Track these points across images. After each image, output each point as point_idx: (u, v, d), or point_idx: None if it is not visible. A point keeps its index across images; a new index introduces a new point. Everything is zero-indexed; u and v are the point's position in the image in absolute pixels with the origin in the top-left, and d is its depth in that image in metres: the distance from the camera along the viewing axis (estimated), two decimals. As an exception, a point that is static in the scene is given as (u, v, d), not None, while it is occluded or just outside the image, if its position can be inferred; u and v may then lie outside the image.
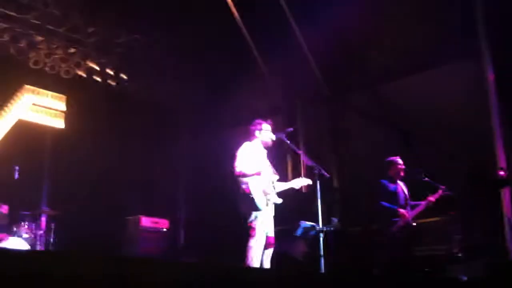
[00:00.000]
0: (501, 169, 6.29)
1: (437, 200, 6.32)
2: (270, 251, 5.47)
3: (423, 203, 6.36)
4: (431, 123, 7.23)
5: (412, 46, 7.42)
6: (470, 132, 6.81)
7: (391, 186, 6.52)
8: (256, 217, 5.38)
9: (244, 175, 5.45)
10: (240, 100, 8.67)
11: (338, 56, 8.04)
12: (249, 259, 5.27)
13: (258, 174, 5.49)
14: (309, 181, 5.81)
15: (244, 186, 5.41)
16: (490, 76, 6.77)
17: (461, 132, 6.91)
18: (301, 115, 8.46)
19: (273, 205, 5.59)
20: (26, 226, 6.53)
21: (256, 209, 5.36)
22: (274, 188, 5.64)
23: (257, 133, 5.78)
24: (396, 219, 6.30)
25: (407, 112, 7.55)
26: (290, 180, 5.93)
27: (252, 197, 5.35)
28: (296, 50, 8.13)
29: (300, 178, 5.91)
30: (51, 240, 6.81)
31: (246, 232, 5.43)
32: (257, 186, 5.43)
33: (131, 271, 2.04)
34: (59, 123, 8.22)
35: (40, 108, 8.05)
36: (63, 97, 8.32)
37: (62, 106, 8.28)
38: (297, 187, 5.83)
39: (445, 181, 6.37)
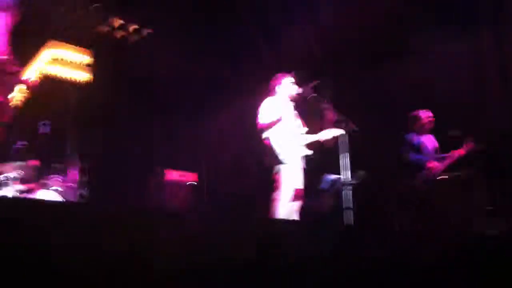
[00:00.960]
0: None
1: (466, 153, 6.27)
2: (298, 204, 5.48)
3: (451, 156, 6.31)
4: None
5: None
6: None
7: (417, 139, 6.47)
8: (279, 170, 5.39)
9: (266, 127, 5.44)
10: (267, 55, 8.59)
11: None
12: (274, 211, 5.31)
13: (278, 121, 5.45)
14: (339, 131, 5.64)
15: (266, 140, 5.41)
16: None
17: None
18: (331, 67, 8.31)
19: (304, 157, 5.58)
20: (57, 179, 6.66)
21: (279, 162, 5.36)
22: (303, 140, 5.61)
23: (277, 87, 5.74)
24: (424, 172, 6.27)
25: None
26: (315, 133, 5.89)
27: (274, 150, 5.36)
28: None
29: (329, 129, 5.73)
30: (83, 192, 6.95)
31: (271, 185, 5.46)
32: (280, 139, 5.42)
33: (156, 224, 2.06)
34: (84, 76, 8.27)
35: (65, 61, 8.08)
36: (87, 50, 8.33)
37: (87, 59, 8.31)
38: (324, 139, 5.75)
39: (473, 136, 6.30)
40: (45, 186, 6.49)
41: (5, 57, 4.02)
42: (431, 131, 6.60)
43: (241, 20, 8.50)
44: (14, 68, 4.17)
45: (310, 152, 5.56)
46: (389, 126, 7.11)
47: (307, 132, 5.72)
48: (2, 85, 4.10)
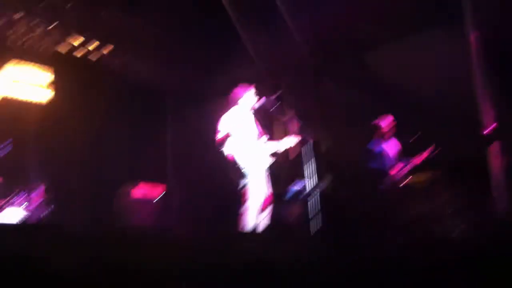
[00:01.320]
0: (487, 127, 6.36)
1: (424, 159, 6.42)
2: (268, 211, 5.54)
3: (411, 162, 6.46)
4: (417, 88, 7.23)
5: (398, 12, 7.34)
6: (457, 94, 6.83)
7: (378, 148, 6.61)
8: (245, 183, 5.44)
9: (223, 142, 5.48)
10: (227, 72, 8.62)
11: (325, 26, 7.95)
12: (244, 223, 5.35)
13: (227, 136, 5.53)
14: (297, 139, 5.81)
15: (229, 155, 5.45)
16: (473, 39, 6.76)
17: (447, 95, 6.93)
18: (287, 83, 8.42)
19: (266, 166, 5.65)
20: (20, 199, 6.58)
21: (243, 175, 5.42)
22: (264, 150, 5.68)
23: (239, 100, 5.81)
24: (385, 179, 6.40)
25: (393, 78, 7.54)
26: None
27: (238, 165, 5.41)
28: (281, 23, 8.03)
29: (288, 137, 5.89)
30: (43, 214, 6.86)
31: (238, 198, 5.51)
32: (242, 152, 5.48)
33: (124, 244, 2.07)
34: (45, 95, 8.17)
35: (24, 82, 7.98)
36: (47, 69, 8.24)
37: (47, 79, 8.22)
38: (283, 148, 5.87)
39: (432, 142, 6.46)
40: (11, 205, 6.43)
41: None
42: (393, 135, 6.74)
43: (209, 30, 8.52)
44: None
45: (272, 160, 5.64)
46: (354, 133, 7.22)
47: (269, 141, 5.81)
48: None
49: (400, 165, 6.57)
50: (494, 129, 6.29)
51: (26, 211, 6.55)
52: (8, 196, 6.53)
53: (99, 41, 8.35)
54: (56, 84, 8.28)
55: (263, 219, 5.54)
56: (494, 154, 6.49)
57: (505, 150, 6.39)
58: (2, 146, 4.72)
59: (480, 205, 6.16)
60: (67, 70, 8.32)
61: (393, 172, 6.41)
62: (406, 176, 6.47)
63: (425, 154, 6.41)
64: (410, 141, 6.41)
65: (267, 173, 5.64)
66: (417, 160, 6.43)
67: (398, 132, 6.73)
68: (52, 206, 6.87)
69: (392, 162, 6.56)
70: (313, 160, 5.62)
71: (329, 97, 8.08)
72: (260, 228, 5.48)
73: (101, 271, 1.90)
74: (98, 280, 1.87)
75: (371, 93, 7.57)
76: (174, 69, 9.24)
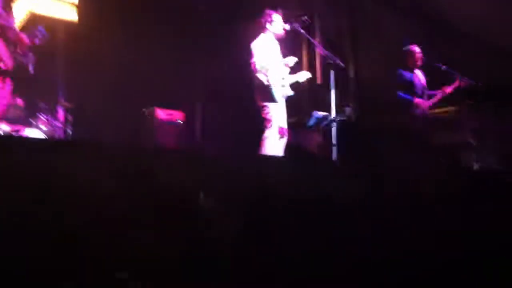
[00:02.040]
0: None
1: (455, 89, 6.30)
2: (284, 141, 5.58)
3: (440, 92, 6.35)
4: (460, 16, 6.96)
5: None
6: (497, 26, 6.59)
7: (408, 76, 6.47)
8: (271, 109, 5.47)
9: (262, 68, 5.45)
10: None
11: None
12: (265, 149, 5.40)
13: (273, 64, 5.50)
14: (309, 74, 5.89)
15: (262, 78, 5.42)
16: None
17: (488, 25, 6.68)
18: (317, 3, 8.19)
19: (289, 93, 5.65)
20: (43, 118, 6.59)
21: (273, 100, 5.44)
22: (286, 80, 5.67)
23: (268, 25, 5.70)
24: (413, 108, 6.31)
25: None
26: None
27: (271, 89, 5.41)
28: None
29: (302, 71, 5.95)
30: (69, 131, 6.91)
31: (261, 123, 5.53)
32: (275, 77, 5.47)
33: (146, 162, 2.06)
34: (72, 15, 8.07)
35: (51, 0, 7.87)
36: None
37: (74, -1, 8.10)
38: (302, 80, 5.87)
39: (465, 72, 6.30)
40: (31, 126, 6.45)
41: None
42: (420, 67, 6.59)
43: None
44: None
45: (292, 92, 5.64)
46: (384, 59, 7.08)
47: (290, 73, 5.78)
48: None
49: (429, 94, 6.46)
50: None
51: (50, 130, 6.59)
52: (32, 116, 6.56)
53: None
54: (83, 4, 8.16)
55: (284, 145, 5.58)
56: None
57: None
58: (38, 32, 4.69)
59: (506, 137, 6.09)
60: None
61: (417, 103, 6.30)
62: (434, 105, 6.37)
63: (454, 85, 6.27)
64: (442, 67, 6.26)
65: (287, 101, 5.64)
66: (446, 89, 6.30)
67: (429, 61, 6.54)
68: (74, 126, 6.92)
69: (421, 91, 6.44)
70: (340, 86, 5.56)
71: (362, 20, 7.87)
72: (281, 153, 5.52)
73: (125, 186, 1.90)
74: (121, 194, 1.88)
75: (405, 17, 7.34)
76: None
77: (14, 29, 4.42)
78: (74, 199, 1.79)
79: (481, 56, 6.54)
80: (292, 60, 5.74)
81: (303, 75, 5.87)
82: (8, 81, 4.47)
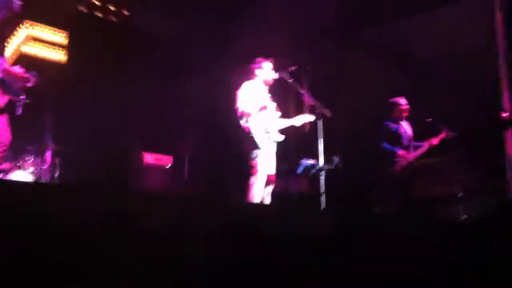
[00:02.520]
0: (505, 110, 6.29)
1: (440, 141, 6.37)
2: (270, 189, 5.56)
3: (425, 144, 6.41)
4: (440, 62, 7.14)
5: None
6: (478, 72, 6.74)
7: (394, 127, 6.54)
8: (256, 155, 5.44)
9: (245, 114, 5.47)
10: (245, 38, 8.54)
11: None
12: (251, 196, 5.36)
13: (264, 108, 5.53)
14: (312, 117, 5.83)
15: (245, 125, 5.44)
16: (499, 15, 6.65)
17: (469, 72, 6.84)
18: (306, 53, 8.34)
19: (275, 143, 5.64)
20: (31, 160, 6.57)
21: (256, 147, 5.42)
22: (276, 125, 5.68)
23: (257, 71, 5.78)
24: (398, 160, 6.36)
25: (414, 50, 7.46)
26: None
27: (252, 136, 5.40)
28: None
29: (303, 114, 5.91)
30: (56, 174, 6.87)
31: (247, 170, 5.51)
32: (258, 125, 5.47)
33: (133, 205, 2.06)
34: (60, 57, 8.16)
35: (41, 42, 7.97)
36: (64, 32, 8.24)
37: (63, 40, 8.20)
38: (298, 124, 5.86)
39: (450, 122, 6.39)
40: (19, 168, 6.41)
41: None
42: (406, 119, 6.67)
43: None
44: None
45: (282, 137, 5.64)
46: (365, 112, 7.17)
47: (281, 117, 5.80)
48: None
49: (415, 146, 6.52)
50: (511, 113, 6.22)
51: (37, 172, 6.56)
52: (19, 158, 6.53)
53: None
54: (73, 44, 8.26)
55: (270, 192, 5.56)
56: (510, 138, 6.45)
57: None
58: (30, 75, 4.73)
59: (493, 188, 6.14)
60: (85, 30, 8.30)
61: (401, 154, 6.35)
62: (420, 157, 6.42)
63: (440, 136, 6.34)
64: (428, 119, 6.35)
65: (275, 149, 5.64)
66: (432, 141, 6.37)
67: (414, 112, 6.64)
68: (60, 169, 6.88)
69: (408, 142, 6.50)
70: (327, 135, 5.60)
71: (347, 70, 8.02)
72: (268, 201, 5.50)
73: (109, 225, 1.90)
74: (106, 232, 1.87)
75: (390, 66, 7.50)
76: (193, 29, 9.20)
77: (9, 70, 4.47)
78: (63, 240, 1.78)
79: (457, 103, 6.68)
80: (302, 119, 5.80)
81: (303, 118, 5.84)
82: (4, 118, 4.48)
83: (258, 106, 5.55)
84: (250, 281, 2.17)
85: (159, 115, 9.17)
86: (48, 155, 7.29)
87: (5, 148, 4.48)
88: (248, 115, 5.46)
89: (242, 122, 5.47)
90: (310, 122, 5.83)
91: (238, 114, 5.51)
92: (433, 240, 3.05)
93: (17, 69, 4.64)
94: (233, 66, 8.13)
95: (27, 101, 4.58)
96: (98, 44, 8.26)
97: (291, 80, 5.87)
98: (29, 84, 4.70)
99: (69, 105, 7.79)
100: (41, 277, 1.71)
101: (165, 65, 9.28)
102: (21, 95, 4.57)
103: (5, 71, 4.45)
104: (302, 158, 6.21)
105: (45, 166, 6.79)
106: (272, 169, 5.56)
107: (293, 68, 5.98)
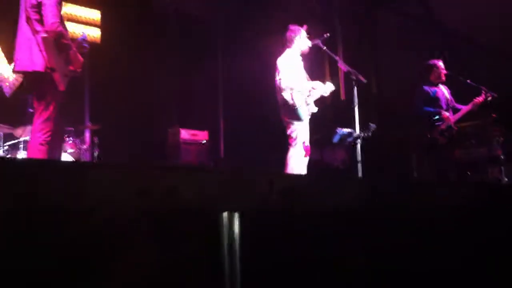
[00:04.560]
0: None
1: (481, 102, 6.22)
2: (306, 160, 5.54)
3: (466, 106, 6.28)
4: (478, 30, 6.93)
5: None
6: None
7: (432, 90, 6.41)
8: (296, 127, 5.43)
9: (288, 87, 5.42)
10: (274, 7, 8.47)
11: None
12: (289, 168, 5.36)
13: (306, 79, 5.48)
14: (333, 87, 5.77)
15: (287, 97, 5.39)
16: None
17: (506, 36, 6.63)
18: (339, 20, 8.22)
19: (313, 110, 5.61)
20: (70, 141, 6.68)
21: (299, 119, 5.41)
22: (312, 97, 5.63)
23: (296, 38, 5.67)
24: (439, 123, 6.24)
25: (452, 14, 7.25)
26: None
27: (296, 108, 5.37)
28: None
29: (326, 83, 5.80)
30: (95, 154, 6.99)
31: (286, 141, 5.51)
32: (301, 96, 5.44)
33: (172, 180, 2.07)
34: (95, 34, 8.21)
35: (75, 18, 8.01)
36: (97, 10, 8.28)
37: (97, 18, 8.25)
38: (327, 94, 5.78)
39: (489, 85, 6.24)
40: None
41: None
42: (444, 82, 6.53)
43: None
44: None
45: (316, 109, 5.59)
46: (401, 77, 7.05)
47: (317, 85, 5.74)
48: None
49: (454, 109, 6.39)
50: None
51: (77, 153, 6.67)
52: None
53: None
54: (106, 23, 8.31)
55: (307, 162, 5.55)
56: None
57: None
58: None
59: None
60: (117, 8, 8.34)
61: (444, 117, 6.23)
62: (461, 119, 6.30)
63: (481, 98, 6.19)
64: (466, 81, 6.20)
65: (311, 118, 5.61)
66: (474, 102, 6.22)
67: (452, 76, 6.48)
68: (99, 148, 6.99)
69: (446, 106, 6.37)
70: (363, 102, 5.52)
71: (382, 34, 7.87)
72: (305, 171, 5.49)
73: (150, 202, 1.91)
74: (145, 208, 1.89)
75: (428, 31, 7.32)
76: (225, 5, 9.16)
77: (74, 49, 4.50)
78: (100, 220, 1.80)
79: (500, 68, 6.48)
80: (329, 87, 5.73)
81: (328, 88, 5.75)
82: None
83: (300, 78, 5.51)
84: (290, 256, 2.17)
85: (195, 91, 9.22)
86: (87, 135, 7.43)
87: None
88: (292, 88, 5.42)
89: (285, 94, 5.42)
90: (347, 88, 5.75)
91: (281, 86, 5.45)
92: (474, 204, 2.99)
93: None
94: (266, 36, 8.09)
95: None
96: (131, 22, 8.30)
97: (325, 48, 5.79)
98: (85, 50, 4.74)
99: (105, 85, 7.87)
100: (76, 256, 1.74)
101: (198, 42, 9.28)
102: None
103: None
104: (337, 127, 6.14)
105: (85, 146, 6.91)
106: (307, 141, 5.54)
107: (327, 34, 5.88)
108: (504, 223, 2.93)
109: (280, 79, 5.47)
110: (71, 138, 6.72)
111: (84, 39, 4.73)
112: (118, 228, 1.81)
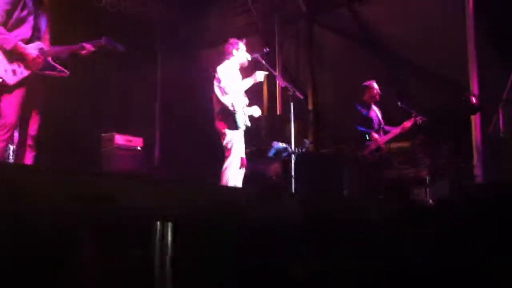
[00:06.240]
0: (474, 95, 6.39)
1: (411, 125, 6.44)
2: (242, 172, 5.57)
3: (397, 129, 6.48)
4: (408, 45, 7.20)
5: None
6: (446, 57, 6.84)
7: (365, 110, 6.60)
8: (232, 137, 5.44)
9: (228, 92, 5.45)
10: (217, 20, 8.50)
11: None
12: (224, 179, 5.37)
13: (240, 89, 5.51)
14: (259, 111, 5.86)
15: (227, 102, 5.41)
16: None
17: (437, 56, 6.92)
18: (278, 36, 8.35)
19: (248, 123, 5.67)
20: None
21: (236, 127, 5.42)
22: (247, 110, 5.69)
23: (234, 51, 5.72)
24: (368, 142, 6.43)
25: (386, 32, 7.50)
26: (263, 103, 5.97)
27: (235, 114, 5.39)
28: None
29: (255, 106, 5.86)
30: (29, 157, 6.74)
31: (221, 153, 5.51)
32: (239, 104, 5.48)
33: (105, 187, 2.05)
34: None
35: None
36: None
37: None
38: (256, 115, 5.83)
39: (418, 106, 6.48)
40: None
41: None
42: (377, 103, 6.74)
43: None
44: None
45: (249, 124, 5.66)
46: (342, 93, 7.21)
47: (250, 102, 5.82)
48: None
49: (385, 129, 6.60)
50: (478, 98, 6.33)
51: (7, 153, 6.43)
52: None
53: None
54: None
55: (242, 175, 5.58)
56: (477, 123, 6.59)
57: (486, 120, 6.46)
58: None
59: (460, 172, 6.26)
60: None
61: (374, 138, 6.43)
62: (390, 140, 6.51)
63: (411, 121, 6.41)
64: (399, 103, 6.42)
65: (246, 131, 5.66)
66: (404, 126, 6.44)
67: (385, 97, 6.71)
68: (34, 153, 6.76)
69: (378, 126, 6.58)
70: (298, 118, 5.62)
71: (320, 51, 8.05)
72: (240, 184, 5.51)
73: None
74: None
75: (362, 47, 7.53)
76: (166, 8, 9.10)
77: None
78: (36, 224, 1.78)
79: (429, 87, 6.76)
80: (256, 110, 5.79)
81: (255, 110, 5.81)
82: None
83: (238, 87, 5.55)
84: (225, 266, 2.19)
85: (130, 98, 9.09)
86: (15, 135, 7.15)
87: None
88: (232, 94, 5.45)
89: (225, 99, 5.43)
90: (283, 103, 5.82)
91: (223, 91, 5.46)
92: (400, 223, 3.11)
93: None
94: (204, 48, 8.10)
95: None
96: (65, 20, 8.07)
97: (264, 62, 5.86)
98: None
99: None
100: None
101: (136, 47, 9.15)
102: None
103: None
104: (273, 141, 6.22)
105: (13, 147, 6.66)
106: (243, 153, 5.57)
107: (266, 49, 5.97)
108: (423, 244, 3.05)
109: (220, 86, 5.48)
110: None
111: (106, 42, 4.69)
112: (54, 233, 1.78)
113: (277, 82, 6.02)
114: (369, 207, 3.20)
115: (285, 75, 6.07)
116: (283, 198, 2.74)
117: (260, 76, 5.84)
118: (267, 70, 6.03)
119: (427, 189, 6.20)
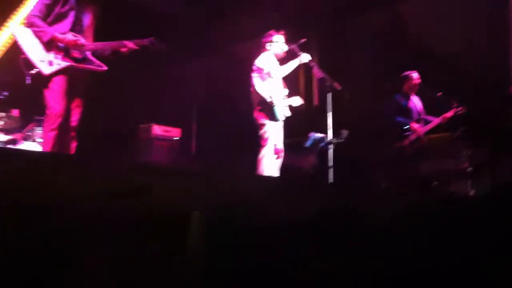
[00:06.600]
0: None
1: (452, 116, 6.34)
2: (279, 162, 5.59)
3: (436, 119, 6.38)
4: (447, 43, 7.03)
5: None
6: (485, 50, 6.66)
7: (405, 101, 6.51)
8: (270, 128, 5.48)
9: (269, 84, 5.50)
10: (253, 13, 8.46)
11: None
12: (261, 168, 5.40)
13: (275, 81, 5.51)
14: (301, 101, 5.92)
15: (266, 94, 5.46)
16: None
17: (476, 51, 6.75)
18: (314, 28, 8.27)
19: (286, 114, 5.68)
20: (39, 131, 6.58)
21: (274, 118, 5.47)
22: (287, 98, 5.74)
23: (268, 45, 5.77)
24: (408, 133, 6.34)
25: (424, 30, 7.35)
26: (300, 94, 6.01)
27: (273, 106, 5.44)
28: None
29: (296, 97, 5.94)
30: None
31: (258, 142, 5.55)
32: (278, 96, 5.52)
33: (142, 178, 2.06)
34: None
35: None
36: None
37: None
38: (295, 105, 5.89)
39: (459, 97, 6.35)
40: (28, 138, 6.44)
41: None
42: (416, 93, 6.63)
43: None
44: None
45: (289, 113, 5.68)
46: (380, 84, 7.12)
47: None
48: None
49: (424, 120, 6.49)
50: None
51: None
52: (28, 129, 6.54)
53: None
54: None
55: (279, 165, 5.60)
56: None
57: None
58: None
59: (500, 166, 6.10)
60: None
61: (414, 128, 6.33)
62: (429, 132, 6.40)
63: (451, 111, 6.30)
64: (438, 95, 6.30)
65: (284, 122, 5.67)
66: (445, 116, 6.33)
67: (424, 88, 6.59)
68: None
69: (416, 118, 6.47)
70: (336, 108, 5.59)
71: (355, 45, 7.94)
72: (277, 173, 5.53)
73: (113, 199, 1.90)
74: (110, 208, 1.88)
75: (398, 44, 7.40)
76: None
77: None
78: (67, 214, 1.79)
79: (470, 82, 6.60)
80: (297, 100, 5.82)
81: (296, 101, 5.88)
82: None
83: (276, 79, 5.60)
84: (257, 256, 2.18)
85: (169, 91, 9.15)
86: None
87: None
88: (271, 86, 5.50)
89: (264, 92, 5.47)
90: (320, 94, 5.88)
91: (263, 77, 5.51)
92: (438, 216, 3.04)
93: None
94: (243, 39, 8.08)
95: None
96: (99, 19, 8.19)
97: (300, 53, 5.86)
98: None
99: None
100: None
101: (170, 40, 9.17)
102: None
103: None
104: (310, 132, 6.20)
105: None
106: (280, 143, 5.60)
107: (303, 40, 5.94)
108: (466, 237, 2.99)
109: (261, 75, 5.53)
110: (40, 128, 6.61)
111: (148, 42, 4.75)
112: (86, 227, 1.80)
113: (314, 73, 5.97)
114: (400, 200, 3.14)
115: (322, 65, 6.01)
116: (309, 190, 2.71)
117: (305, 57, 5.85)
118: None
119: (468, 182, 6.08)
